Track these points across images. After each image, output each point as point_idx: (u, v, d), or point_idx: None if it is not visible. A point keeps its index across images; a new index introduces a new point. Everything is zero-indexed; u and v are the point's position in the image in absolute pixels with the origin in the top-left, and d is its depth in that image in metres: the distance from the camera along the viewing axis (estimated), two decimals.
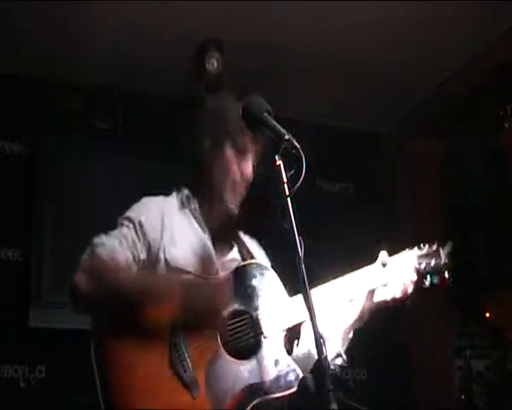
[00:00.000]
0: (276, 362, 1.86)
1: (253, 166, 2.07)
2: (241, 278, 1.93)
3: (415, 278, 2.04)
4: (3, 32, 3.74)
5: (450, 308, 4.51)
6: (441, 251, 2.13)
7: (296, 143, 1.64)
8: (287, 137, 1.66)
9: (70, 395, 3.66)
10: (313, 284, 1.82)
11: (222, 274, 1.97)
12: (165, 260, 1.93)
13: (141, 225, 1.96)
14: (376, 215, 4.71)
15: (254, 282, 1.94)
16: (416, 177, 4.88)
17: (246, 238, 2.20)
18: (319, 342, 1.48)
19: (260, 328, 1.87)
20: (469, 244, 4.45)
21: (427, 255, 2.11)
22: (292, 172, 1.62)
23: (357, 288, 1.99)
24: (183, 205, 2.07)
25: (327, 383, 1.45)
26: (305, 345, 2.01)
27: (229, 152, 2.05)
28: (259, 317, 1.88)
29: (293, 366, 1.87)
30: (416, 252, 2.12)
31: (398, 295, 2.00)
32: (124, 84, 4.23)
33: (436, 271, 2.09)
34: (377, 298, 2.01)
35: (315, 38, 3.93)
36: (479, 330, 4.44)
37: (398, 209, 4.88)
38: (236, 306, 1.89)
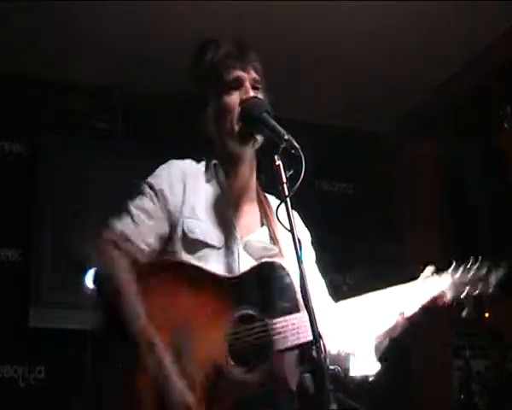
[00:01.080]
0: (284, 381, 1.71)
1: (254, 89, 1.96)
2: (260, 277, 1.79)
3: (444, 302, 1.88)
4: (3, 31, 3.75)
5: (451, 309, 4.50)
6: (492, 276, 1.90)
7: (296, 143, 1.64)
8: (286, 137, 1.66)
9: (70, 396, 3.65)
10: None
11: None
12: (183, 231, 1.87)
13: (163, 197, 1.91)
14: (376, 215, 4.72)
15: (273, 285, 1.78)
16: (415, 177, 4.88)
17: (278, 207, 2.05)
18: (318, 342, 1.48)
19: (271, 340, 1.72)
20: (469, 244, 4.45)
21: (473, 280, 1.89)
22: (291, 172, 1.62)
23: (395, 303, 1.89)
24: (211, 175, 1.99)
25: (326, 384, 1.44)
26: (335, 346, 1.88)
27: (224, 94, 1.95)
28: (272, 327, 1.73)
29: (294, 388, 1.71)
30: (460, 275, 1.89)
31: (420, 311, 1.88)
32: (124, 84, 4.23)
33: (479, 299, 1.88)
34: (408, 313, 1.90)
35: (315, 38, 3.93)
36: (479, 330, 4.44)
37: (398, 209, 4.88)
38: (249, 309, 1.76)
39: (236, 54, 1.99)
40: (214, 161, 2.00)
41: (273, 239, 1.96)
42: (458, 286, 1.90)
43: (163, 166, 2.00)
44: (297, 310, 1.76)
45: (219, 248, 1.88)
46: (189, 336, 1.71)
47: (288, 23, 3.80)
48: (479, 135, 4.53)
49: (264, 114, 1.76)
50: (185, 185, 1.94)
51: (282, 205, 1.60)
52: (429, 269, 1.92)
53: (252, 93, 1.93)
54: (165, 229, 1.89)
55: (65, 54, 3.93)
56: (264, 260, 1.86)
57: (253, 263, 1.87)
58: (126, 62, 4.06)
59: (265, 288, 1.79)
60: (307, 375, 1.55)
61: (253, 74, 1.98)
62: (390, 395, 4.29)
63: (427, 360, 4.51)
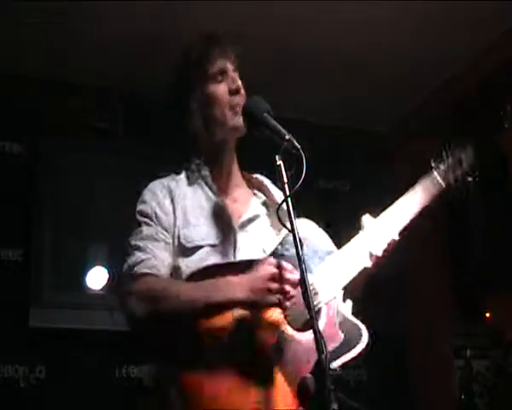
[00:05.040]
0: (340, 324, 1.82)
1: (240, 78, 2.01)
2: (285, 248, 1.85)
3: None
4: (4, 32, 3.75)
5: (451, 308, 4.51)
6: (463, 158, 2.16)
7: (296, 143, 1.65)
8: (287, 137, 1.67)
9: (70, 396, 3.66)
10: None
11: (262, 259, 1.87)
12: (180, 243, 1.90)
13: (158, 218, 1.93)
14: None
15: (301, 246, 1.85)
16: (415, 177, 4.87)
17: (267, 182, 2.14)
18: (320, 341, 1.48)
19: (317, 295, 1.81)
20: (469, 244, 4.45)
21: (449, 169, 2.14)
22: (292, 172, 1.63)
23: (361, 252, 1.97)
24: (194, 176, 2.02)
25: (327, 383, 1.44)
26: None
27: (210, 85, 1.99)
28: (313, 284, 1.81)
29: (356, 322, 1.83)
30: (437, 171, 2.15)
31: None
32: (124, 84, 4.23)
33: (461, 179, 2.13)
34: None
35: (315, 37, 3.93)
36: (479, 330, 4.44)
37: None
38: None
39: (217, 45, 2.02)
40: (197, 161, 2.03)
41: (266, 205, 2.05)
42: (446, 174, 2.16)
43: (146, 189, 2.03)
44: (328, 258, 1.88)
45: (219, 244, 1.92)
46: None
47: (288, 23, 3.80)
48: (479, 135, 4.52)
49: (265, 114, 1.77)
50: (173, 198, 1.97)
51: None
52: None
53: (239, 82, 1.99)
54: (171, 240, 1.92)
55: (65, 54, 3.93)
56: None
57: (252, 246, 1.91)
58: (126, 62, 4.06)
59: (292, 252, 1.80)
60: (308, 375, 1.55)
61: (235, 64, 2.03)
62: (390, 395, 4.30)
63: (427, 360, 4.51)
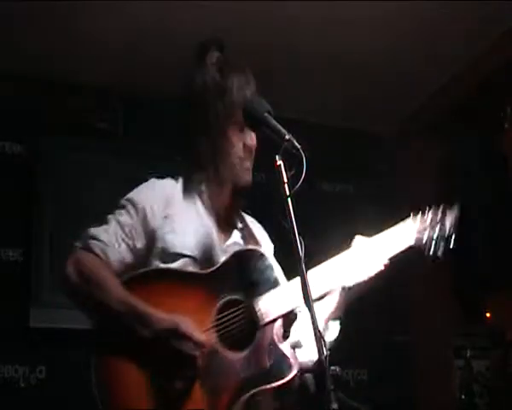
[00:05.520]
0: (270, 352, 1.82)
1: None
2: (238, 264, 1.90)
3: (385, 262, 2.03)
4: (3, 32, 3.75)
5: (451, 308, 4.51)
6: (447, 219, 2.08)
7: (297, 144, 1.65)
8: (287, 137, 1.67)
9: (70, 396, 3.65)
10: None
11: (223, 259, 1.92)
12: (162, 248, 1.91)
13: (144, 214, 1.93)
14: (376, 215, 4.70)
15: (251, 269, 1.89)
16: (416, 177, 4.88)
17: (250, 219, 2.16)
18: (319, 341, 1.48)
19: (255, 317, 1.83)
20: (469, 245, 4.45)
21: (429, 225, 2.07)
22: (292, 172, 1.63)
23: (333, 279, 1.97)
24: (191, 188, 2.02)
25: (327, 383, 1.44)
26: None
27: (232, 128, 1.99)
28: (254, 305, 1.84)
29: (287, 354, 1.83)
30: (417, 224, 2.10)
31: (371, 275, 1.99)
32: (124, 84, 4.23)
33: (440, 242, 2.04)
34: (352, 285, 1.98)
35: (315, 37, 3.93)
36: (479, 330, 4.44)
37: (398, 209, 4.86)
38: (231, 295, 1.85)
39: (247, 96, 1.97)
40: (199, 178, 2.03)
41: (247, 238, 2.06)
42: (419, 233, 2.09)
43: (146, 184, 2.04)
44: (276, 286, 1.89)
45: (200, 259, 1.92)
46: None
47: (288, 23, 3.80)
48: (479, 135, 4.53)
49: (266, 114, 1.77)
50: (168, 206, 1.97)
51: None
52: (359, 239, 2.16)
53: (255, 140, 2.00)
54: (141, 243, 1.93)
55: (65, 54, 3.93)
56: (240, 248, 1.97)
57: None
58: (126, 62, 4.06)
59: (245, 273, 1.88)
60: (308, 375, 1.56)
61: None
62: (391, 394, 4.30)
63: (427, 360, 4.51)
